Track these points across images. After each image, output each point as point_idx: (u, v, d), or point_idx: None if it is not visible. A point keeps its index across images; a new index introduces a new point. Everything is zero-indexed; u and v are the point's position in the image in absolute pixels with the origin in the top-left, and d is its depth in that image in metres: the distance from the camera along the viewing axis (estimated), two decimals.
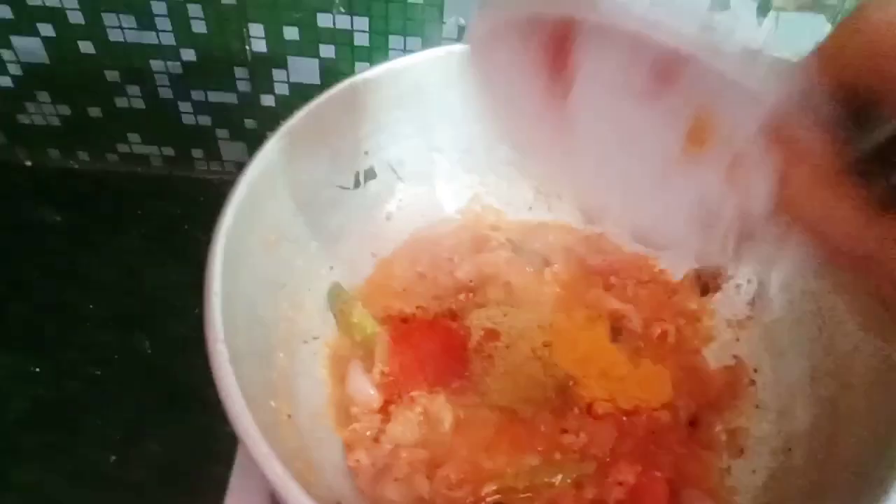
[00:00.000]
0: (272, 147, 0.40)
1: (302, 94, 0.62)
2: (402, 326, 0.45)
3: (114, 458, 0.49)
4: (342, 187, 0.47)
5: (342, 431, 0.41)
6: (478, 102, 0.29)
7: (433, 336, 0.45)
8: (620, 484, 0.40)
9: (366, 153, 0.47)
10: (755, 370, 0.45)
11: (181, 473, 0.48)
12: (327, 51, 0.59)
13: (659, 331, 0.47)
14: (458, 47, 0.47)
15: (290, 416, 0.39)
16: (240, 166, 0.66)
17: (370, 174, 0.48)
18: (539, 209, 0.53)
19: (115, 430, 0.51)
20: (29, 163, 0.69)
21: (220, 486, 0.44)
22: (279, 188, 0.41)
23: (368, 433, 0.41)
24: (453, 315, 0.47)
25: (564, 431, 0.42)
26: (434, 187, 0.51)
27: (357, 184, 0.48)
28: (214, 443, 0.46)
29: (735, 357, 0.46)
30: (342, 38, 0.58)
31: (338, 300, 0.46)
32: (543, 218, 0.53)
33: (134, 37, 0.59)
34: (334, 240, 0.46)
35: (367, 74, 0.44)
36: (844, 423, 0.37)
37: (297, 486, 0.29)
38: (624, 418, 0.43)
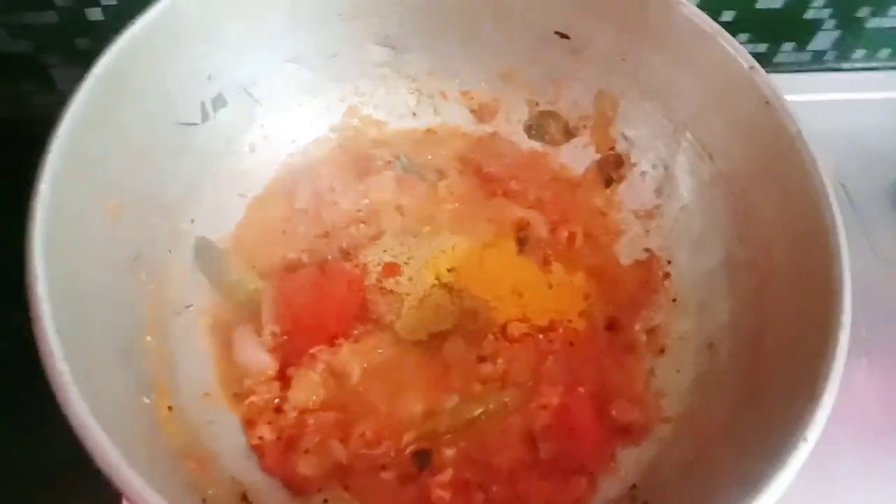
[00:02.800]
0: (85, 94, 0.32)
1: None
2: (289, 277, 0.40)
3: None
4: (187, 123, 0.39)
5: (237, 408, 0.37)
6: None
7: (326, 282, 0.40)
8: (545, 408, 0.38)
9: (209, 78, 0.39)
10: (669, 262, 0.43)
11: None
12: None
13: (566, 233, 0.44)
14: None
15: (170, 407, 0.34)
16: None
17: (219, 102, 0.40)
18: (424, 114, 0.47)
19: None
20: None
21: None
22: (106, 142, 0.34)
23: (268, 404, 0.37)
24: (345, 254, 0.41)
25: (481, 360, 0.39)
26: (299, 105, 0.44)
27: (205, 116, 0.40)
28: None
29: (647, 250, 0.44)
30: None
31: (207, 257, 0.39)
32: (430, 124, 0.47)
33: None
34: (191, 187, 0.40)
35: None
36: (769, 318, 0.36)
37: None
38: (540, 336, 0.40)
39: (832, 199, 0.33)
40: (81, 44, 0.55)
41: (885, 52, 0.67)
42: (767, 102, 0.37)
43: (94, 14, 0.53)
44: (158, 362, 0.35)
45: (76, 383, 0.26)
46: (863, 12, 0.64)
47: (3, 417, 0.44)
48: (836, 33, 0.66)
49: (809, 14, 0.64)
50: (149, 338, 0.35)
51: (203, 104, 0.40)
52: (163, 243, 0.38)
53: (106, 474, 0.25)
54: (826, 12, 0.64)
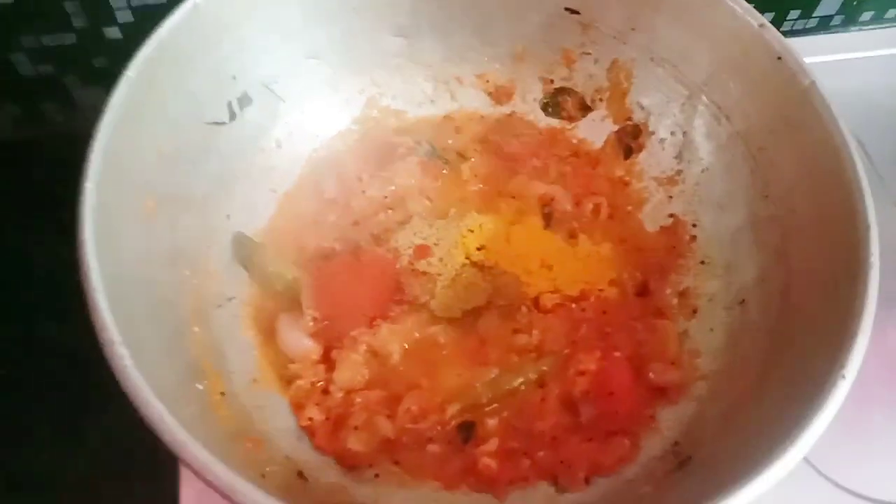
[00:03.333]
0: (119, 100, 0.33)
1: (149, 17, 0.53)
2: (324, 265, 0.41)
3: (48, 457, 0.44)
4: (216, 123, 0.40)
5: (286, 392, 0.38)
6: None
7: (360, 267, 0.41)
8: (583, 374, 0.38)
9: (233, 78, 0.41)
10: (694, 225, 0.43)
11: (125, 462, 0.44)
12: None
13: (591, 206, 0.44)
14: None
15: (223, 393, 0.35)
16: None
17: (244, 100, 0.42)
18: (441, 100, 0.48)
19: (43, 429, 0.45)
20: None
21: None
22: (141, 144, 0.35)
23: (315, 386, 0.38)
24: (377, 240, 0.43)
25: (516, 332, 0.40)
26: (321, 99, 0.45)
27: (232, 115, 0.41)
28: None
29: (671, 216, 0.44)
30: None
31: (245, 251, 0.41)
32: (448, 109, 0.48)
33: None
34: (223, 184, 0.41)
35: None
36: (797, 268, 0.36)
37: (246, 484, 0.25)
38: (573, 305, 0.41)
39: (850, 143, 0.34)
40: (100, 62, 0.57)
41: (893, 13, 0.67)
42: (779, 58, 0.38)
43: (112, 33, 0.55)
44: (206, 351, 0.36)
45: (137, 367, 0.27)
46: None
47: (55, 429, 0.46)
48: None
49: None
50: (195, 328, 0.36)
51: (230, 103, 0.41)
52: (201, 239, 0.39)
53: (172, 449, 0.26)
54: None
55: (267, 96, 0.43)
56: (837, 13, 0.67)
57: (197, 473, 0.26)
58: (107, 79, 0.58)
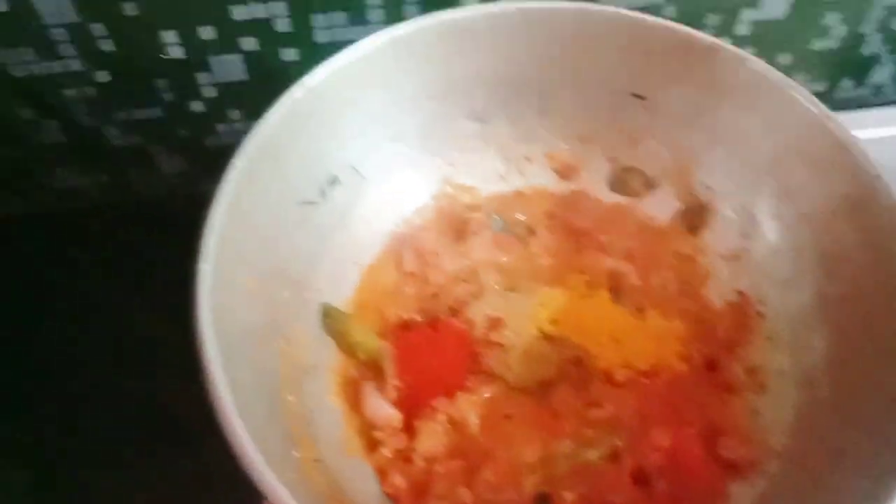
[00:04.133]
0: (228, 187, 0.37)
1: (231, 92, 0.58)
2: (405, 335, 0.44)
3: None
4: (309, 202, 0.44)
5: (371, 458, 0.40)
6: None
7: (438, 337, 0.44)
8: (657, 449, 0.40)
9: (324, 162, 0.44)
10: (761, 302, 0.45)
11: None
12: (248, 43, 0.55)
13: (659, 280, 0.46)
14: (396, 30, 0.44)
15: (316, 460, 0.37)
16: (182, 178, 0.64)
17: (333, 181, 0.45)
18: (512, 177, 0.51)
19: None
20: None
21: None
22: (245, 227, 0.38)
23: (398, 454, 0.40)
24: (453, 311, 0.45)
25: (589, 405, 0.42)
26: (402, 178, 0.48)
27: (322, 195, 0.45)
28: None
29: (739, 292, 0.46)
30: (262, 28, 0.54)
31: (332, 321, 0.43)
32: (518, 186, 0.51)
33: (40, 69, 0.53)
34: (314, 260, 0.44)
35: (307, 82, 0.41)
36: (863, 344, 0.37)
37: None
38: (644, 380, 0.43)
39: None
40: (182, 133, 0.61)
41: None
42: (844, 147, 0.39)
43: (196, 106, 0.59)
44: (300, 421, 0.38)
45: (249, 436, 0.30)
46: None
47: None
48: (894, 66, 0.68)
49: (866, 50, 0.66)
50: (290, 397, 0.39)
51: (321, 185, 0.44)
52: (293, 311, 0.42)
53: None
54: (883, 47, 0.66)
55: (353, 176, 0.46)
56: (891, 82, 0.69)
57: None
58: (189, 149, 0.63)
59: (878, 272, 0.38)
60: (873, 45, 0.65)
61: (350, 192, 0.46)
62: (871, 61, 0.67)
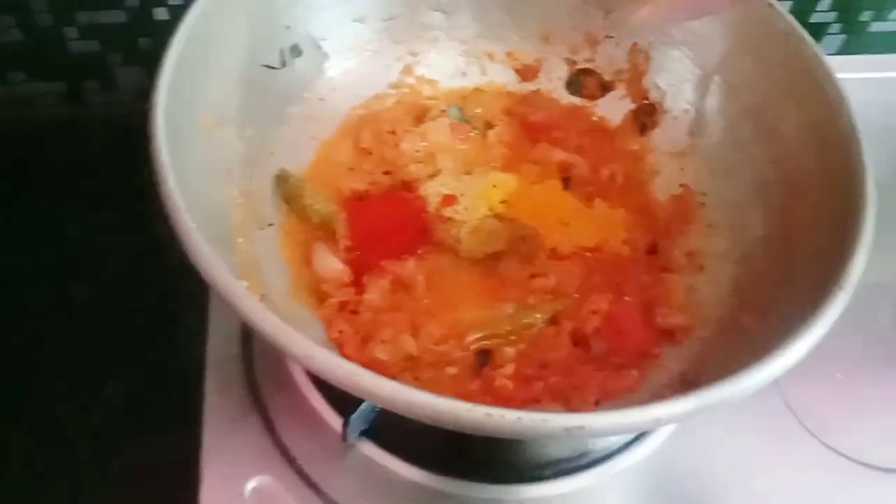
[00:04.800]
0: (193, 16, 0.37)
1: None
2: (358, 203, 0.44)
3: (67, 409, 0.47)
4: (269, 66, 0.44)
5: (319, 310, 0.40)
6: None
7: (391, 207, 0.44)
8: (595, 312, 0.41)
9: (287, 27, 0.45)
10: (703, 193, 0.46)
11: (141, 408, 0.47)
12: None
13: (608, 173, 0.47)
14: None
15: (262, 295, 0.37)
16: (139, 95, 0.63)
17: (295, 51, 0.46)
18: (472, 74, 0.52)
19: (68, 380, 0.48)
20: None
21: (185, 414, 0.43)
22: (206, 66, 0.38)
23: (345, 307, 0.40)
24: (407, 187, 0.46)
25: (534, 276, 0.43)
26: (363, 62, 0.49)
27: (283, 62, 0.45)
28: (164, 383, 0.46)
29: (682, 185, 0.47)
30: None
31: (286, 185, 0.44)
32: (478, 82, 0.52)
33: None
34: (270, 124, 0.44)
35: None
36: (799, 222, 0.39)
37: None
38: (587, 255, 0.44)
39: (847, 99, 0.37)
40: (144, 43, 0.60)
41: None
42: (786, 34, 0.41)
43: (161, 14, 0.58)
44: (249, 262, 0.39)
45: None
46: (865, 16, 0.68)
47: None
48: (842, 37, 0.70)
49: (815, 18, 0.68)
50: (240, 240, 0.39)
51: (281, 51, 0.45)
52: (247, 167, 0.42)
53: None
54: (832, 15, 0.68)
55: (315, 51, 0.47)
56: (836, 53, 0.71)
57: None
58: (150, 62, 0.62)
59: (813, 149, 0.40)
60: (823, 13, 0.67)
61: (311, 65, 0.47)
62: (820, 30, 0.69)
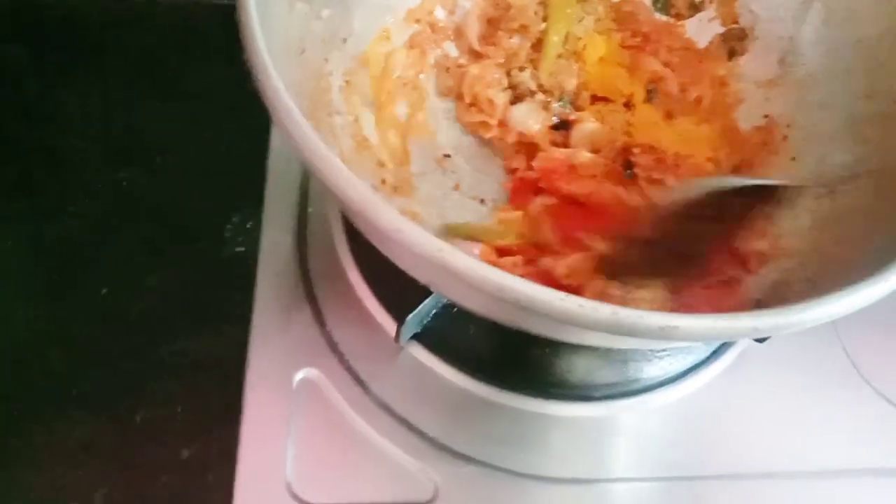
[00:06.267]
0: None
1: None
2: None
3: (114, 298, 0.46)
4: None
5: None
6: None
7: None
8: None
9: None
10: (788, 125, 0.44)
11: (190, 300, 0.46)
12: None
13: (695, 95, 0.45)
14: None
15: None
16: None
17: None
18: None
19: (115, 267, 0.47)
20: None
21: (234, 308, 0.43)
22: None
23: None
24: None
25: None
26: None
27: None
28: (216, 273, 0.45)
29: (766, 116, 0.45)
30: None
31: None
32: None
33: None
34: (345, 7, 0.42)
35: None
36: (892, 159, 0.37)
37: None
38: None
39: None
40: None
41: None
42: None
43: None
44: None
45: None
46: None
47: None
48: None
49: None
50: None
51: None
52: (320, 49, 0.40)
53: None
54: None
55: None
56: None
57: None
58: None
59: None
60: None
61: None
62: None
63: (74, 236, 0.48)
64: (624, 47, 0.47)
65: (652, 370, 0.43)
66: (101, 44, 0.57)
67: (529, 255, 0.39)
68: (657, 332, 0.26)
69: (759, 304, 0.37)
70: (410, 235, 0.26)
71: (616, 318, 0.26)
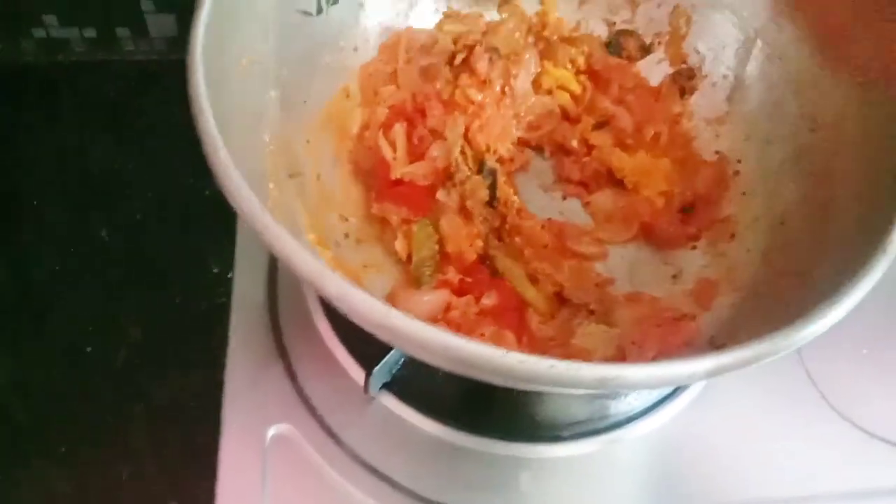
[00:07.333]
0: None
1: None
2: None
3: (89, 347, 0.47)
4: (305, 12, 0.43)
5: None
6: None
7: None
8: None
9: None
10: (738, 161, 0.46)
11: (162, 349, 0.47)
12: None
13: (652, 132, 0.47)
14: None
15: None
16: (171, 43, 0.62)
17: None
18: None
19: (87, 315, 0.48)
20: None
21: (206, 357, 0.44)
22: (242, 7, 0.38)
23: None
24: None
25: None
26: (397, 15, 0.48)
27: (319, 9, 0.44)
28: (190, 315, 0.46)
29: (717, 153, 0.47)
30: None
31: None
32: None
33: None
34: (305, 71, 0.44)
35: None
36: (838, 187, 0.38)
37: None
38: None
39: None
40: None
41: None
42: None
43: None
44: (278, 206, 0.38)
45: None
46: None
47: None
48: None
49: None
50: (271, 185, 0.39)
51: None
52: (278, 112, 0.41)
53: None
54: None
55: (351, 1, 0.46)
56: None
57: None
58: (181, 6, 0.61)
59: (858, 112, 0.39)
60: None
61: (347, 15, 0.46)
62: None
63: (45, 288, 0.49)
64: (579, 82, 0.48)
65: (619, 406, 0.44)
66: (56, 90, 0.59)
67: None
68: (595, 384, 0.27)
69: (713, 341, 0.38)
70: (355, 302, 0.28)
71: (554, 371, 0.27)
